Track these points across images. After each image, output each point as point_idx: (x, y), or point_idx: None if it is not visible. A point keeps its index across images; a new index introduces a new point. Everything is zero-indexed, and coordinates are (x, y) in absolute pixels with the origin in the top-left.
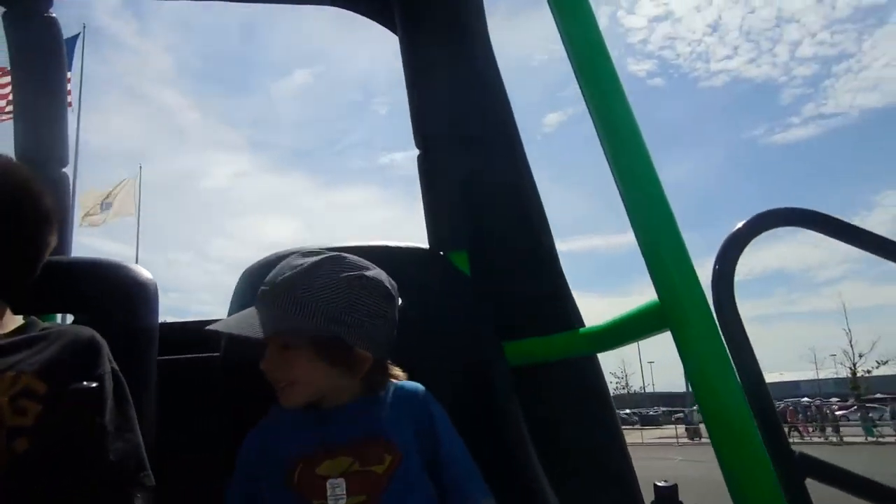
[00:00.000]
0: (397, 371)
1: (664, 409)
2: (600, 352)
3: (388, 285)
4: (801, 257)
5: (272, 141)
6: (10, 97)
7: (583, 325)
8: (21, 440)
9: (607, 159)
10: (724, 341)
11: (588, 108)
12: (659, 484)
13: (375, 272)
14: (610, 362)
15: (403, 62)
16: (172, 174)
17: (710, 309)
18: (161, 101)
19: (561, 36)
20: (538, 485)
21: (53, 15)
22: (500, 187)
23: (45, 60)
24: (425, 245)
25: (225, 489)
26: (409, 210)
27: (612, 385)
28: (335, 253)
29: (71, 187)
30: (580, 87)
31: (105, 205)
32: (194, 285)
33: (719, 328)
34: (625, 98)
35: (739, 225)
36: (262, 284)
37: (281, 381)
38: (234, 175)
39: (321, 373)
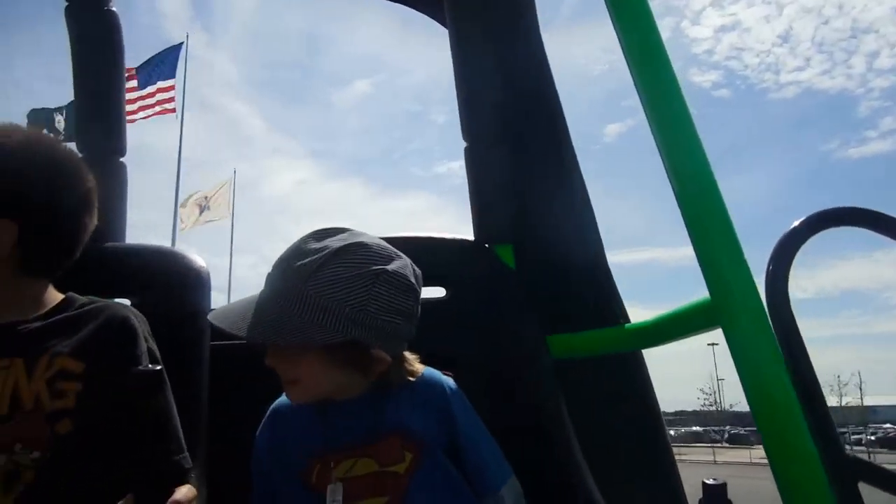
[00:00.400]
0: (417, 365)
1: (745, 428)
2: (646, 347)
3: (411, 278)
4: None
5: (332, 149)
6: (142, 100)
7: (628, 320)
8: (64, 422)
9: (662, 159)
10: (777, 341)
11: (645, 111)
12: (708, 482)
13: (398, 263)
14: (698, 378)
15: (452, 55)
16: (237, 181)
17: (763, 307)
18: (228, 110)
19: (621, 44)
20: (581, 480)
21: (114, 9)
22: (547, 181)
23: (104, 53)
24: (471, 238)
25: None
26: (463, 219)
27: (700, 401)
28: (355, 240)
29: (128, 177)
30: (638, 94)
31: (204, 207)
32: (257, 287)
33: (772, 328)
34: (682, 100)
35: (796, 223)
36: (272, 268)
37: (285, 377)
38: (296, 182)
39: (330, 374)
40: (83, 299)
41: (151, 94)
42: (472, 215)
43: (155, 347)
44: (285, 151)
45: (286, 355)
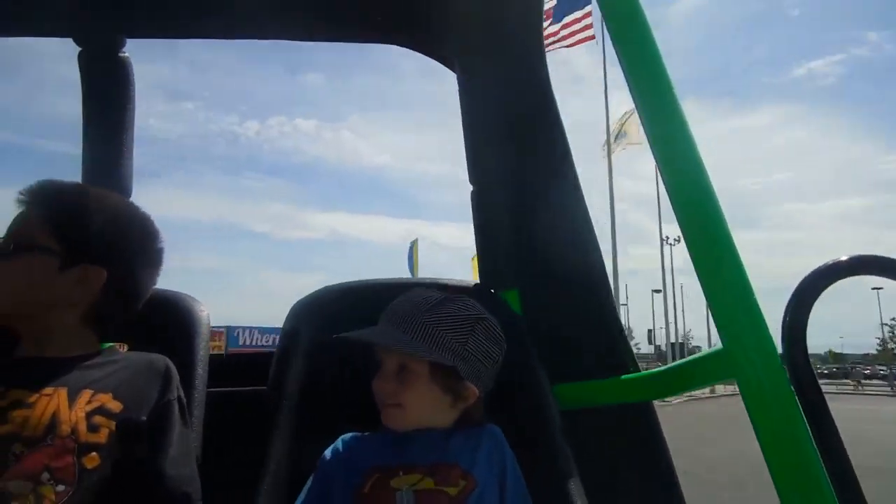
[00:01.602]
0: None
1: None
2: (656, 398)
3: (499, 332)
4: None
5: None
6: (560, 33)
7: (637, 369)
8: (92, 456)
9: (674, 208)
10: (796, 396)
11: (657, 164)
12: None
13: (492, 319)
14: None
15: (460, 99)
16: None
17: (780, 364)
18: None
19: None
20: None
21: (126, 55)
22: (555, 226)
23: (116, 99)
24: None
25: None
26: (827, 132)
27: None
28: (459, 295)
29: None
30: (652, 151)
31: (621, 134)
32: None
33: (791, 382)
34: (698, 157)
35: (813, 271)
36: (389, 308)
37: (389, 400)
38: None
39: (431, 398)
40: (123, 351)
41: (567, 25)
42: (477, 259)
43: (183, 396)
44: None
45: (398, 377)
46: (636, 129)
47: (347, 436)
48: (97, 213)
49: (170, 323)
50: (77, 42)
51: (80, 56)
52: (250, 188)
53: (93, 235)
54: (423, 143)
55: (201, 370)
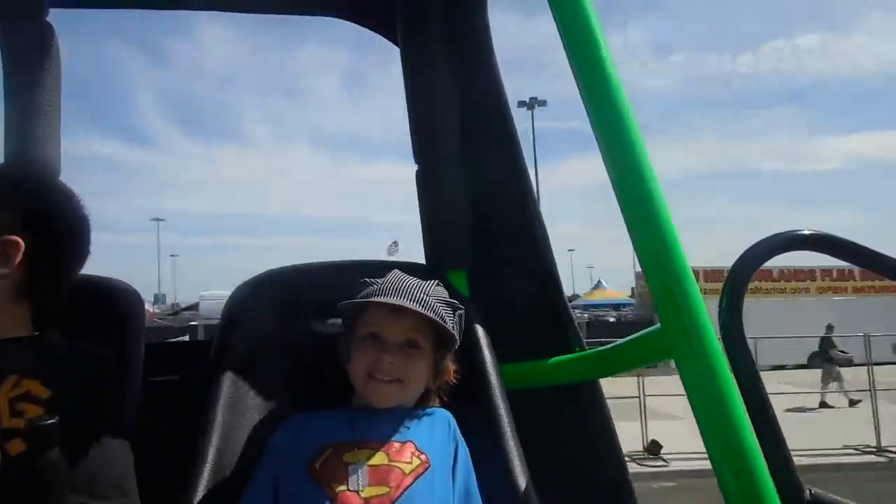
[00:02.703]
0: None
1: None
2: (599, 377)
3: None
4: None
5: None
6: None
7: (584, 348)
8: (16, 441)
9: (614, 188)
10: (730, 374)
11: (594, 131)
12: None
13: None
14: None
15: (404, 74)
16: None
17: (715, 338)
18: None
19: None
20: None
21: (49, 21)
22: (501, 206)
23: (39, 68)
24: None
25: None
26: None
27: None
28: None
29: None
30: (585, 106)
31: None
32: None
33: (726, 358)
34: (631, 120)
35: (748, 249)
36: (388, 285)
37: (391, 375)
38: None
39: (425, 375)
40: (58, 337)
41: None
42: (423, 240)
43: (119, 385)
44: None
45: (406, 354)
46: None
47: (299, 414)
48: (15, 185)
49: (103, 310)
50: None
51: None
52: (749, 126)
53: (9, 206)
54: None
55: (136, 358)
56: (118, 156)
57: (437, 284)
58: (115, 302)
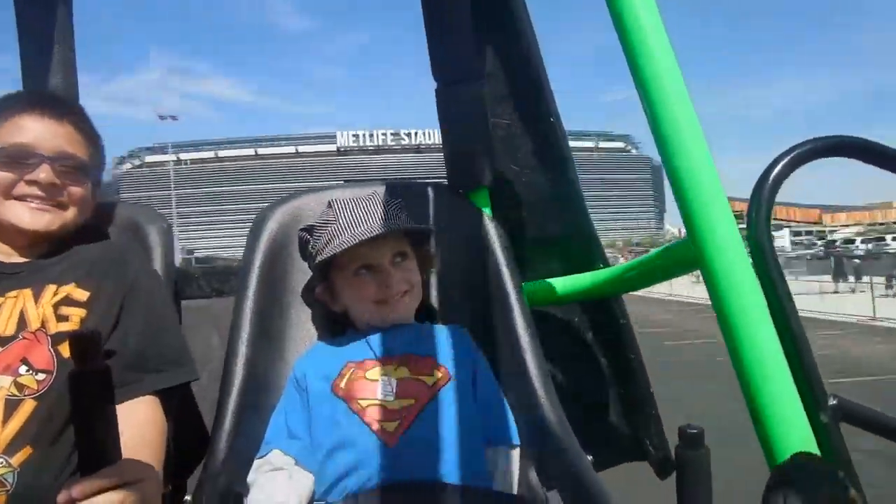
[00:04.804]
0: None
1: None
2: (624, 293)
3: None
4: None
5: None
6: None
7: (607, 264)
8: (66, 345)
9: (642, 101)
10: (757, 282)
11: (624, 50)
12: (687, 429)
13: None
14: None
15: None
16: None
17: (743, 248)
18: None
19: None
20: (561, 420)
21: None
22: (522, 122)
23: (54, 22)
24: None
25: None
26: None
27: None
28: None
29: None
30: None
31: None
32: None
33: (753, 267)
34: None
35: (778, 156)
36: (352, 219)
37: (399, 287)
38: None
39: (419, 275)
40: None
41: None
42: (444, 158)
43: (153, 269)
44: None
45: (402, 267)
46: None
47: (318, 343)
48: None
49: (132, 232)
50: None
51: None
52: None
53: (98, 149)
54: None
55: (167, 279)
56: None
57: (374, 193)
58: (142, 230)
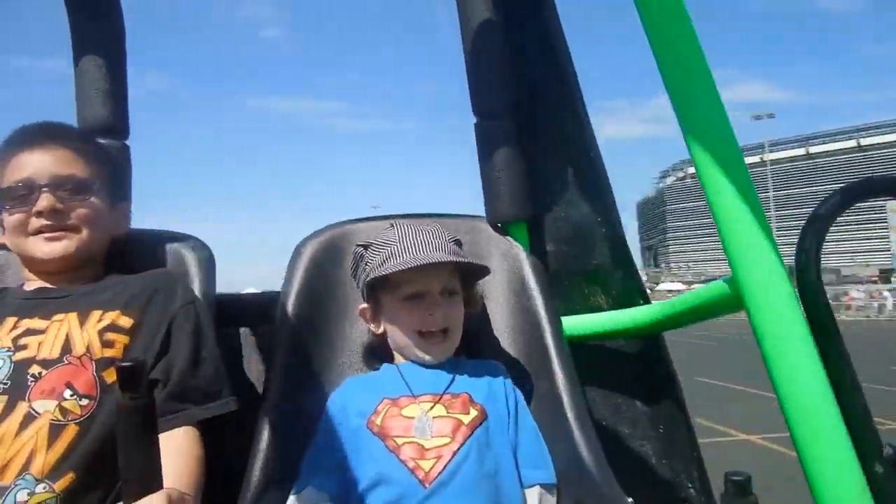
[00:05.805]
0: None
1: None
2: (664, 331)
3: None
4: None
5: None
6: None
7: (647, 301)
8: (111, 370)
9: (684, 135)
10: (805, 324)
11: (665, 85)
12: (732, 476)
13: None
14: None
15: (461, 25)
16: None
17: (791, 290)
18: None
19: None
20: (599, 461)
21: None
22: (563, 157)
23: (105, 27)
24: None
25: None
26: None
27: None
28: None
29: (130, 159)
30: (662, 76)
31: None
32: None
33: (803, 313)
34: (710, 81)
35: (826, 197)
36: (411, 240)
37: (444, 326)
38: None
39: (463, 315)
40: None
41: None
42: (483, 192)
43: (196, 300)
44: None
45: (448, 304)
46: None
47: (353, 377)
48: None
49: (175, 261)
50: None
51: None
52: None
53: (117, 172)
54: None
55: (208, 307)
56: None
57: (436, 224)
58: (186, 258)
